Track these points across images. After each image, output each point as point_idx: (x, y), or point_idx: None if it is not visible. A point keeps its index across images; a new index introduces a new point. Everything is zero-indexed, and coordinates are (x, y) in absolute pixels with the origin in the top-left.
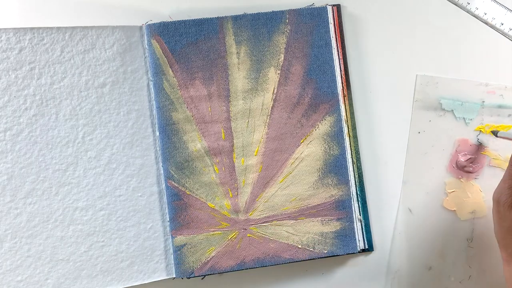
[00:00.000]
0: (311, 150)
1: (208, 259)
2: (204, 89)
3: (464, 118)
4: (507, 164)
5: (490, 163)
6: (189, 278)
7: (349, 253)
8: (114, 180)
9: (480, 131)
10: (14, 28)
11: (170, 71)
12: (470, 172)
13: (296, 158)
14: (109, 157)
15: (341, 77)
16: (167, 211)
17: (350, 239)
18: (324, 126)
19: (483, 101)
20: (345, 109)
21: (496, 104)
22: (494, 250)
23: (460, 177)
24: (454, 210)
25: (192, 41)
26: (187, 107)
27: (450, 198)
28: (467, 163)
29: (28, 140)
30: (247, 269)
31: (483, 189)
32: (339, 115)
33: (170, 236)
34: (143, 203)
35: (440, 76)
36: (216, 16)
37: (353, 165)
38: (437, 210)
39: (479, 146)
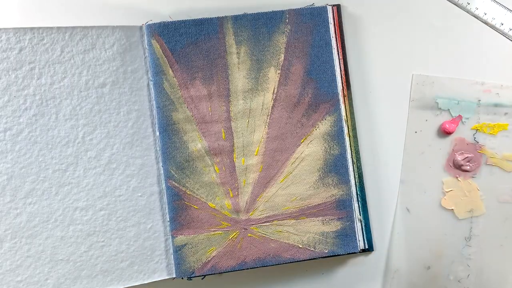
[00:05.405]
0: (311, 150)
1: (209, 259)
2: (204, 89)
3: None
4: (504, 162)
5: (487, 162)
6: (189, 278)
7: (349, 253)
8: (114, 180)
9: (477, 129)
10: (14, 28)
11: (170, 71)
12: (467, 171)
13: (297, 158)
14: (109, 157)
15: (341, 77)
16: (167, 211)
17: (351, 239)
18: (324, 125)
19: (479, 100)
20: (345, 109)
21: (492, 102)
22: (493, 248)
23: (457, 176)
24: (452, 209)
25: (192, 41)
26: (187, 107)
27: (448, 197)
28: (464, 162)
29: (28, 140)
30: (247, 269)
31: (481, 187)
32: (340, 114)
33: (170, 236)
34: (143, 203)
35: (436, 75)
36: (216, 16)
37: (353, 165)
38: (435, 209)
39: (476, 145)
